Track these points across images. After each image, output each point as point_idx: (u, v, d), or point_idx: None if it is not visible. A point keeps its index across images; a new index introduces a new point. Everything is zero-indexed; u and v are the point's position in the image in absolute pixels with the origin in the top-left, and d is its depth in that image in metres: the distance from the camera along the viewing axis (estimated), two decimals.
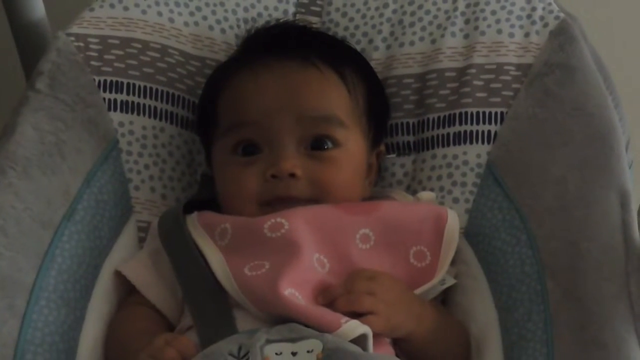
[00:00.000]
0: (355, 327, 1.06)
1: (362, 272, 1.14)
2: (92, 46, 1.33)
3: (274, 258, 1.14)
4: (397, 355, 1.14)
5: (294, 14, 1.43)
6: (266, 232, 1.16)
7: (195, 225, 1.22)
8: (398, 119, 1.37)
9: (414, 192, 1.33)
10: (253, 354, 1.03)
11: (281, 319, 1.08)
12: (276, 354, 1.04)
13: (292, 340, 1.05)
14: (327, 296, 1.12)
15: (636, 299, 1.09)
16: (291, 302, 1.08)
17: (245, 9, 1.41)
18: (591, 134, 1.23)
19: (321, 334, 1.05)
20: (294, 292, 1.10)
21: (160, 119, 1.35)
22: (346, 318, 1.07)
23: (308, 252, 1.15)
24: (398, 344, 1.15)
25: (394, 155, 1.37)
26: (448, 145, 1.33)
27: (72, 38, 1.33)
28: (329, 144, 1.23)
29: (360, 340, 1.06)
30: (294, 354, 1.04)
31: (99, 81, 1.32)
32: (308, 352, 1.03)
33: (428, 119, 1.35)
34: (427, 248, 1.21)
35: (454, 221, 1.24)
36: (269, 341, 1.05)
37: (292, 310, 1.08)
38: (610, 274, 1.11)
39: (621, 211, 1.16)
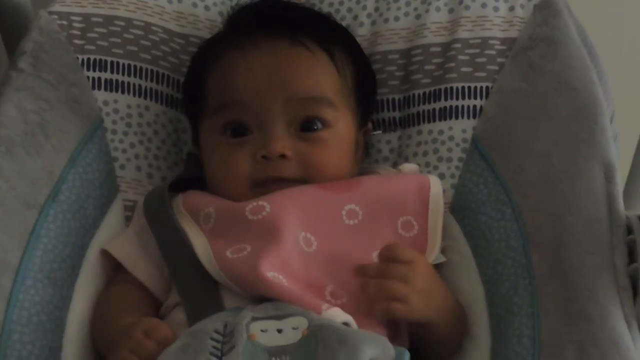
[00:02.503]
0: (336, 315, 1.07)
1: (400, 253, 1.13)
2: (75, 24, 1.34)
3: (255, 241, 1.15)
4: (398, 333, 1.15)
5: None
6: (248, 215, 1.17)
7: (180, 209, 1.23)
8: (383, 95, 1.38)
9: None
10: (239, 331, 1.04)
11: (266, 297, 1.09)
12: (262, 331, 1.05)
13: (278, 318, 1.06)
14: (360, 272, 1.12)
15: (620, 271, 1.10)
16: (274, 283, 1.09)
17: None
18: (575, 108, 1.24)
19: (306, 311, 1.06)
20: (277, 275, 1.10)
21: (145, 97, 1.35)
22: (327, 305, 1.08)
23: (291, 232, 1.16)
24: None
25: (379, 132, 1.37)
26: (434, 120, 1.34)
27: (55, 16, 1.33)
28: (319, 125, 1.24)
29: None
30: (279, 331, 1.05)
31: (83, 60, 1.33)
32: (293, 329, 1.04)
33: (413, 95, 1.36)
34: (413, 217, 1.22)
35: (437, 188, 1.24)
36: (254, 318, 1.06)
37: (275, 292, 1.09)
38: (595, 246, 1.12)
39: (606, 184, 1.17)
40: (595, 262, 1.11)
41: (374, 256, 1.19)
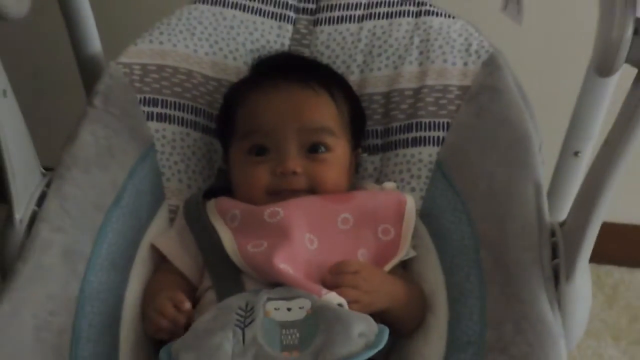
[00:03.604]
0: (333, 298, 1.10)
1: (348, 265, 1.17)
2: (135, 72, 1.37)
3: (270, 239, 1.18)
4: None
5: (289, 46, 1.46)
6: (266, 218, 1.20)
7: (213, 210, 1.26)
8: (369, 126, 1.41)
9: (380, 183, 1.37)
10: (257, 309, 1.07)
11: (278, 283, 1.13)
12: (275, 309, 1.08)
13: (288, 299, 1.09)
14: (323, 284, 1.15)
15: (546, 265, 1.13)
16: (284, 272, 1.12)
17: (252, 42, 1.44)
18: (513, 140, 1.26)
19: (310, 294, 1.09)
20: (287, 266, 1.14)
21: (186, 126, 1.38)
22: (325, 290, 1.11)
23: (299, 233, 1.19)
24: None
25: (365, 155, 1.40)
26: (407, 147, 1.36)
27: (121, 66, 1.37)
28: (323, 149, 1.27)
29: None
30: (289, 309, 1.08)
31: (140, 98, 1.36)
32: (300, 308, 1.08)
33: (392, 127, 1.39)
34: (391, 225, 1.25)
35: (411, 204, 1.28)
36: (269, 299, 1.09)
37: (285, 280, 1.12)
38: (528, 245, 1.15)
39: (536, 198, 1.20)
40: (528, 257, 1.14)
41: (359, 254, 1.23)
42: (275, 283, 1.14)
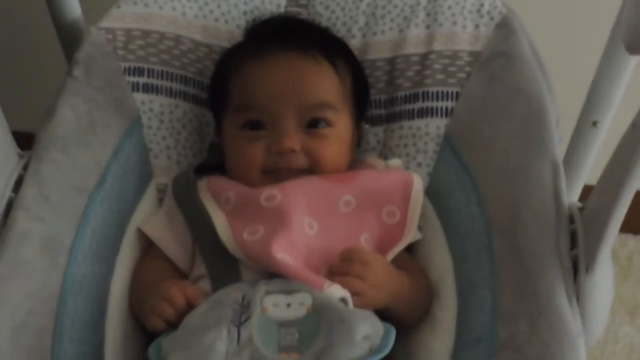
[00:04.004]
0: (335, 291, 1.04)
1: (359, 254, 1.10)
2: (118, 37, 1.29)
3: (267, 225, 1.11)
4: None
5: (285, 7, 1.38)
6: (262, 202, 1.13)
7: (204, 190, 1.19)
8: (372, 95, 1.33)
9: (385, 157, 1.30)
10: (254, 304, 1.01)
11: (277, 273, 1.06)
12: (273, 305, 1.02)
13: (287, 292, 1.03)
14: (329, 271, 1.09)
15: (564, 256, 1.07)
16: (283, 263, 1.06)
17: (245, 3, 1.36)
18: (528, 114, 1.19)
19: (311, 288, 1.03)
20: (286, 255, 1.07)
21: (175, 97, 1.31)
22: (329, 282, 1.04)
23: (298, 218, 1.12)
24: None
25: (368, 126, 1.33)
26: (413, 118, 1.29)
27: (103, 31, 1.29)
28: (323, 124, 1.20)
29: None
30: (288, 305, 1.02)
31: (125, 67, 1.28)
32: (300, 304, 1.02)
33: (397, 96, 1.31)
34: (396, 207, 1.19)
35: (418, 185, 1.21)
36: (267, 292, 1.03)
37: (284, 271, 1.05)
38: (544, 233, 1.09)
39: (553, 179, 1.13)
40: (545, 247, 1.08)
41: (362, 238, 1.16)
42: (273, 274, 1.07)
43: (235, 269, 1.12)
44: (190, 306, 1.05)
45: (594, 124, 1.25)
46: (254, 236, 1.11)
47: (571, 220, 1.10)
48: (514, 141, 1.18)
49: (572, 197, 1.30)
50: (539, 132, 1.17)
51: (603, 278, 1.06)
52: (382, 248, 1.17)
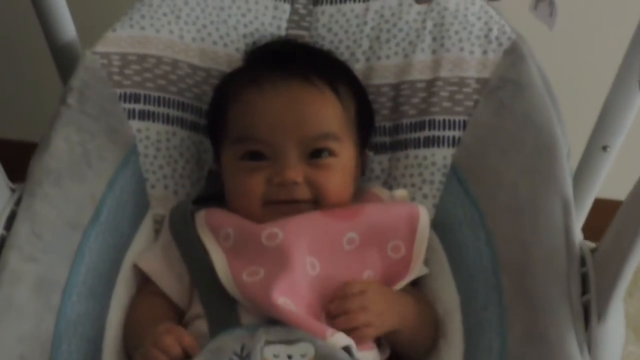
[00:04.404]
0: (339, 340, 1.01)
1: (353, 287, 1.08)
2: (114, 62, 1.26)
3: (268, 266, 1.09)
4: (379, 342, 1.11)
5: (286, 29, 1.35)
6: (263, 241, 1.10)
7: (202, 224, 1.16)
8: (376, 122, 1.30)
9: (389, 187, 1.28)
10: (254, 355, 0.99)
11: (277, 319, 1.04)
12: (274, 356, 0.99)
13: (288, 343, 1.01)
14: (328, 315, 1.07)
15: (575, 301, 1.05)
16: (284, 310, 1.03)
17: (245, 25, 1.33)
18: (538, 145, 1.17)
19: (314, 337, 1.00)
20: (287, 300, 1.05)
21: (172, 124, 1.28)
22: (331, 330, 1.02)
23: (300, 258, 1.09)
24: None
25: (372, 154, 1.30)
26: (419, 147, 1.27)
27: (98, 56, 1.26)
28: (326, 154, 1.17)
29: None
30: (289, 357, 0.99)
31: (120, 93, 1.25)
32: (302, 356, 0.99)
33: (402, 124, 1.29)
34: (402, 242, 1.16)
35: (425, 218, 1.18)
36: (268, 342, 1.01)
37: (285, 318, 1.03)
38: (555, 276, 1.07)
39: (564, 217, 1.11)
40: (555, 292, 1.06)
41: (365, 276, 1.14)
42: (274, 319, 1.04)
43: (234, 311, 1.09)
44: (186, 354, 1.02)
45: (604, 148, 1.23)
46: (253, 278, 1.08)
47: (582, 262, 1.07)
48: (524, 174, 1.16)
49: (578, 222, 1.28)
50: (549, 165, 1.15)
51: (615, 325, 1.03)
52: (387, 283, 1.15)
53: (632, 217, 0.98)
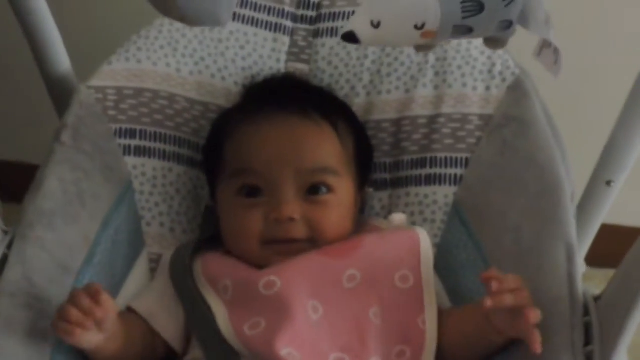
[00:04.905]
0: None
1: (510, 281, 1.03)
2: (109, 97, 1.25)
3: (269, 316, 1.08)
4: None
5: (286, 62, 1.34)
6: (261, 291, 1.09)
7: (200, 275, 1.15)
8: (377, 158, 1.30)
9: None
10: None
11: None
12: None
13: None
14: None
15: (578, 352, 1.03)
16: None
17: (243, 58, 1.32)
18: (543, 187, 1.16)
19: None
20: (291, 350, 1.04)
21: (169, 160, 1.27)
22: None
23: (300, 304, 1.08)
24: None
25: (372, 190, 1.29)
26: (420, 185, 1.26)
27: (93, 90, 1.25)
28: (324, 190, 1.17)
29: None
30: None
31: (116, 129, 1.24)
32: None
33: (403, 160, 1.28)
34: (409, 271, 1.13)
35: (426, 241, 1.15)
36: None
37: None
38: (559, 326, 1.05)
39: (567, 263, 1.10)
40: (559, 341, 1.04)
41: (371, 313, 1.12)
42: None
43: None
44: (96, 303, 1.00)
45: (608, 183, 1.21)
46: (255, 330, 1.07)
47: (585, 310, 1.06)
48: (527, 217, 1.15)
49: (579, 256, 1.27)
50: (553, 208, 1.14)
51: None
52: (403, 314, 1.12)
53: (636, 272, 0.97)
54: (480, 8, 0.86)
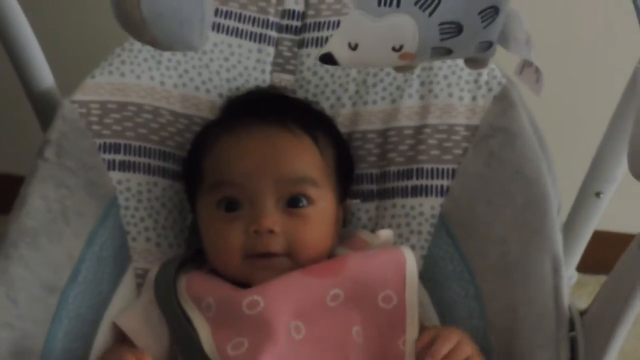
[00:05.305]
0: None
1: (445, 343, 1.05)
2: (93, 111, 1.25)
3: (252, 337, 1.08)
4: None
5: (271, 72, 1.33)
6: (244, 310, 1.10)
7: (183, 293, 1.15)
8: (363, 169, 1.29)
9: None
10: None
11: None
12: None
13: None
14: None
15: None
16: None
17: (227, 70, 1.32)
18: (529, 199, 1.16)
19: None
20: None
21: (154, 175, 1.27)
22: None
23: (283, 325, 1.09)
24: None
25: (358, 201, 1.29)
26: (406, 196, 1.25)
27: (76, 105, 1.25)
28: (304, 202, 1.16)
29: None
30: None
31: (100, 144, 1.24)
32: None
33: (389, 172, 1.28)
34: (393, 291, 1.14)
35: (412, 262, 1.16)
36: None
37: None
38: (544, 340, 1.07)
39: (553, 276, 1.11)
40: (544, 356, 1.06)
41: (354, 331, 1.12)
42: None
43: None
44: None
45: (597, 194, 1.22)
46: (238, 351, 1.07)
47: (571, 325, 1.07)
48: (513, 229, 1.15)
49: (569, 268, 1.27)
50: (539, 221, 1.14)
51: None
52: (385, 335, 1.12)
53: (623, 282, 0.98)
54: (459, 30, 0.86)
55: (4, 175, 1.88)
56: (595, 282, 1.79)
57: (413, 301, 1.14)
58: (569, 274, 1.24)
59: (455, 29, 0.86)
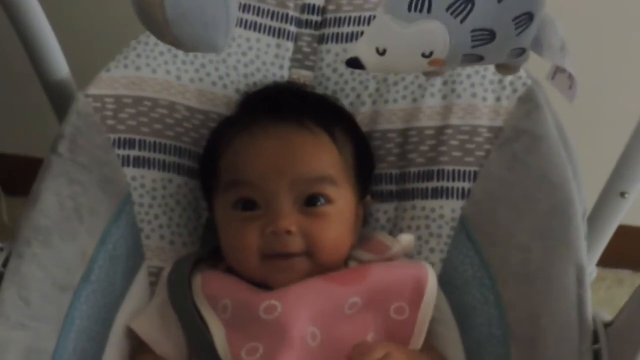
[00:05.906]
0: None
1: (376, 351, 1.04)
2: (108, 106, 1.23)
3: (268, 342, 1.07)
4: None
5: (290, 69, 1.31)
6: (262, 315, 1.08)
7: (199, 293, 1.14)
8: (382, 169, 1.27)
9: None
10: None
11: None
12: None
13: None
14: None
15: None
16: None
17: (245, 65, 1.30)
18: (553, 205, 1.14)
19: None
20: None
21: (169, 171, 1.25)
22: None
23: (300, 332, 1.07)
24: None
25: (378, 202, 1.26)
26: (427, 198, 1.23)
27: (91, 99, 1.23)
28: (322, 201, 1.15)
29: None
30: None
31: (114, 139, 1.22)
32: None
33: (409, 172, 1.26)
34: (407, 304, 1.14)
35: (433, 282, 1.15)
36: None
37: None
38: (567, 352, 1.05)
39: (577, 287, 1.09)
40: None
41: (369, 338, 1.12)
42: None
43: None
44: None
45: (622, 194, 1.20)
46: (253, 356, 1.06)
47: (595, 337, 1.05)
48: (537, 237, 1.13)
49: (590, 265, 1.26)
50: (564, 229, 1.12)
51: None
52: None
53: None
54: (492, 37, 0.84)
55: (23, 158, 1.86)
56: (614, 277, 1.78)
57: (424, 321, 1.13)
58: (589, 270, 1.21)
59: (487, 36, 0.84)
